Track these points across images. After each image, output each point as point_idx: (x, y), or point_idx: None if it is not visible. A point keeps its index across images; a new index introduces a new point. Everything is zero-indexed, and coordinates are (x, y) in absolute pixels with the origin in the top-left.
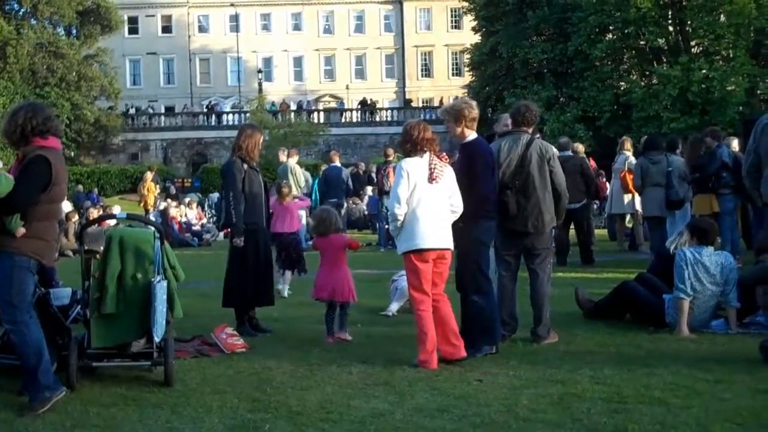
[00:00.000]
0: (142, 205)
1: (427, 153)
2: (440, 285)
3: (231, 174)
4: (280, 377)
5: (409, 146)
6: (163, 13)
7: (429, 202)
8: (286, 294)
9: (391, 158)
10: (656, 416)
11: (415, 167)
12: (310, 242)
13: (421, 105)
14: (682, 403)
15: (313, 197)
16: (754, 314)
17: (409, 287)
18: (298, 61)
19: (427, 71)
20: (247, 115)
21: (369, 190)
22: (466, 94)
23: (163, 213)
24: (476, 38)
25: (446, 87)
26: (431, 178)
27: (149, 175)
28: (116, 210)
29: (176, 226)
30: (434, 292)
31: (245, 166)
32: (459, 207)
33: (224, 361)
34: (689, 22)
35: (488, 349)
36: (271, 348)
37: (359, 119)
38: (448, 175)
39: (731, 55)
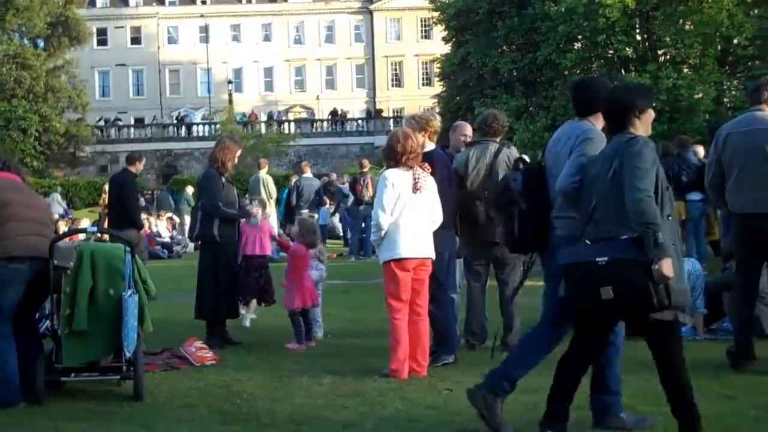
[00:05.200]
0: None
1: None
2: (422, 293)
3: (212, 183)
4: (251, 389)
5: (396, 161)
6: (132, 25)
7: (412, 212)
8: (248, 324)
9: (366, 168)
10: None
11: (399, 178)
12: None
13: (391, 115)
14: (651, 410)
15: (281, 209)
16: (720, 320)
17: (387, 296)
18: (268, 72)
19: (397, 81)
20: (217, 126)
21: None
22: (436, 104)
23: None
24: (446, 48)
25: (417, 97)
26: (415, 188)
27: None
28: (86, 223)
29: (146, 239)
30: (417, 303)
31: (222, 178)
32: (439, 217)
33: (194, 373)
34: (657, 31)
35: (446, 359)
36: (241, 360)
37: (330, 129)
38: (430, 185)
39: (699, 64)
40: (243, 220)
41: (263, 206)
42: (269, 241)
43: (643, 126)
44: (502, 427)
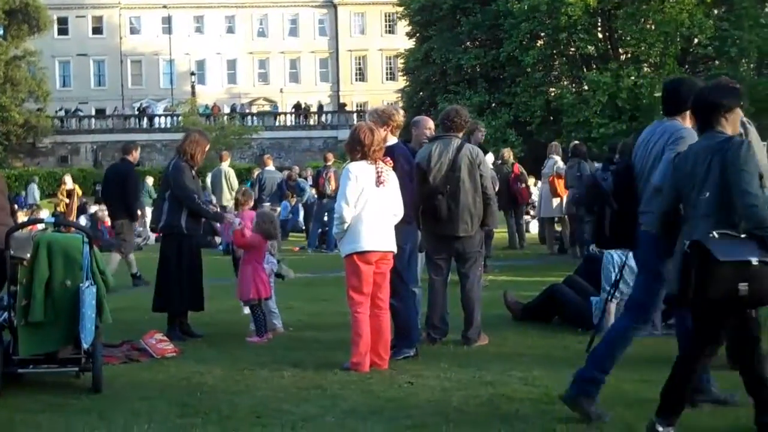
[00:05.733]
0: (59, 208)
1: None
2: (384, 286)
3: (181, 175)
4: (211, 382)
5: (360, 155)
6: (93, 14)
7: (374, 205)
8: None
9: (330, 162)
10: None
11: (363, 171)
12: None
13: (355, 109)
14: (608, 404)
15: None
16: None
17: (349, 289)
18: (231, 64)
19: (361, 75)
20: (180, 118)
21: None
22: (399, 99)
23: (94, 217)
24: (410, 43)
25: (380, 91)
26: (378, 182)
27: (68, 179)
28: (44, 214)
29: (107, 231)
30: (379, 296)
31: (192, 172)
32: (401, 211)
33: (154, 366)
34: (619, 30)
35: (407, 352)
36: (202, 353)
37: (293, 123)
38: (392, 179)
39: (659, 62)
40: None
41: (249, 197)
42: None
43: (730, 125)
44: (604, 416)
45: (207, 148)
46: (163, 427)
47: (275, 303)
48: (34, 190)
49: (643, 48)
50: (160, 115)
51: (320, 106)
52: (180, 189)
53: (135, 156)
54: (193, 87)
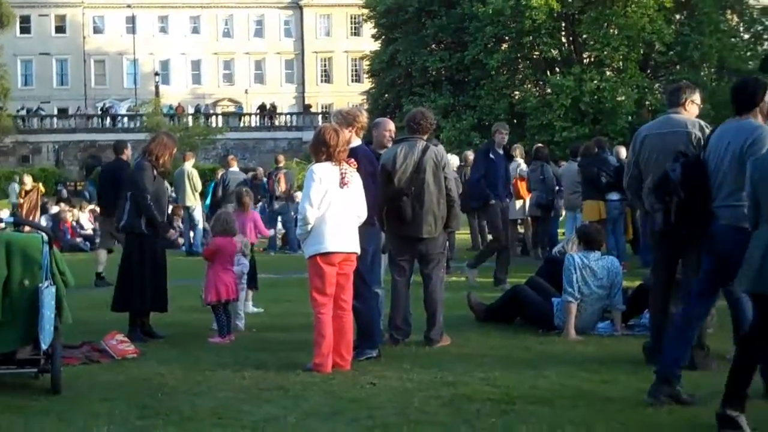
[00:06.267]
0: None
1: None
2: (347, 288)
3: (142, 175)
4: (172, 383)
5: (324, 156)
6: (56, 13)
7: (338, 206)
8: (254, 310)
9: (281, 164)
10: (544, 416)
11: (327, 172)
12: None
13: (320, 110)
14: (569, 403)
15: (207, 201)
16: (638, 316)
17: (312, 290)
18: (196, 65)
19: (326, 77)
20: (143, 118)
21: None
22: (365, 101)
23: (56, 217)
24: (376, 45)
25: (346, 93)
26: (342, 183)
27: (28, 179)
28: (4, 214)
29: (68, 231)
30: (342, 298)
31: (154, 171)
32: (364, 213)
33: (115, 367)
34: (583, 34)
35: (370, 353)
36: (164, 353)
37: (258, 124)
38: (356, 180)
39: (622, 67)
40: (234, 207)
41: (250, 196)
42: (253, 228)
43: None
44: (691, 398)
45: (174, 152)
46: (123, 428)
47: (243, 305)
48: (15, 189)
49: (606, 52)
50: (123, 115)
51: (267, 106)
52: (134, 187)
53: (127, 154)
54: (157, 87)
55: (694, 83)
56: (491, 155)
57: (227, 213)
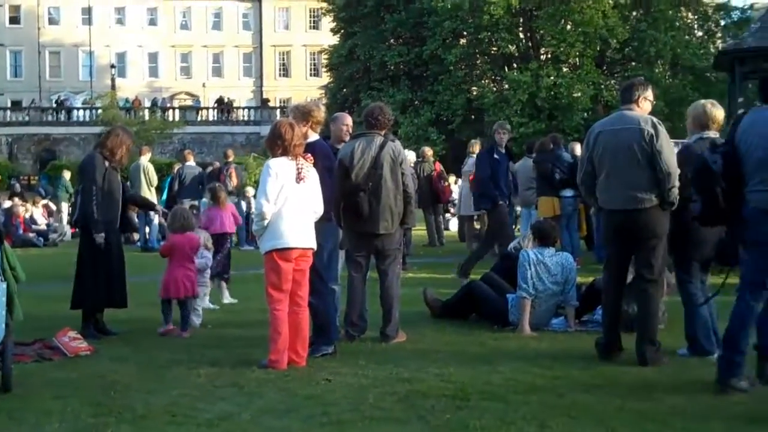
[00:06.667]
0: None
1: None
2: (303, 284)
3: (92, 167)
4: (126, 380)
5: (280, 150)
6: (11, 3)
7: (295, 202)
8: (229, 300)
9: (231, 159)
10: (497, 412)
11: (283, 167)
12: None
13: (278, 105)
14: (522, 399)
15: (163, 196)
16: (591, 312)
17: (268, 286)
18: (153, 57)
19: (284, 71)
20: (99, 111)
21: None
22: (323, 95)
23: (8, 212)
24: (334, 39)
25: (304, 87)
26: (298, 178)
27: None
28: None
29: (21, 226)
30: (298, 294)
31: (106, 163)
32: (321, 208)
33: (67, 364)
34: (540, 30)
35: (325, 349)
36: (117, 351)
37: (215, 118)
38: (313, 175)
39: (578, 63)
40: (210, 202)
41: (224, 191)
42: (231, 219)
43: None
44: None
45: (130, 146)
46: (75, 426)
47: (200, 301)
48: None
49: (562, 48)
50: (78, 108)
51: (231, 101)
52: (82, 179)
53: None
54: (113, 80)
55: (648, 80)
56: (495, 155)
57: (183, 209)
